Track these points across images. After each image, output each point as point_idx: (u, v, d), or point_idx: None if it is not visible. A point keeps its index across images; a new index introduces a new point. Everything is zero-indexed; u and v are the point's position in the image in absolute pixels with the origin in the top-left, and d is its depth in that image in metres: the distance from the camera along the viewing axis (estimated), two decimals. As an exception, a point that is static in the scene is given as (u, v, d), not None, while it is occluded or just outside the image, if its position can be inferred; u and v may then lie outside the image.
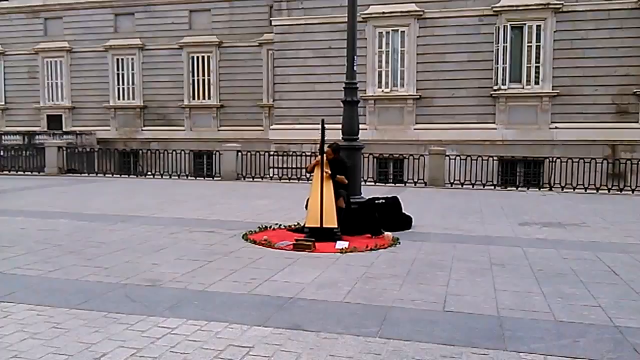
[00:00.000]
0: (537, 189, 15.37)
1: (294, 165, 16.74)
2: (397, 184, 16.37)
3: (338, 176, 7.50)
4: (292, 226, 7.95)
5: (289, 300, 4.51)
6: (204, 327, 3.86)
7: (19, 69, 26.31)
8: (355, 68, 8.24)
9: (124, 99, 25.15)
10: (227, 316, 4.07)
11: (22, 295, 4.57)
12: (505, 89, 18.27)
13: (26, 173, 18.42)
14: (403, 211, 8.33)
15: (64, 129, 25.07)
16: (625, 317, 4.18)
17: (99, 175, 18.05)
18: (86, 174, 18.36)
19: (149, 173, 18.31)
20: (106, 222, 8.33)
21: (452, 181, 15.54)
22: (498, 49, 18.20)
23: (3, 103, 26.58)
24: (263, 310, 4.21)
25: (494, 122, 18.53)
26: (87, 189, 13.81)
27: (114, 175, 18.11)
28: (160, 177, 17.62)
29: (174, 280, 5.06)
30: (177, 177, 17.45)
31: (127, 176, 18.32)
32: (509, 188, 15.71)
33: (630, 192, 14.38)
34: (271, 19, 20.96)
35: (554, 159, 15.69)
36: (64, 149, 19.01)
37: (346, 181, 7.63)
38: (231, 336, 3.69)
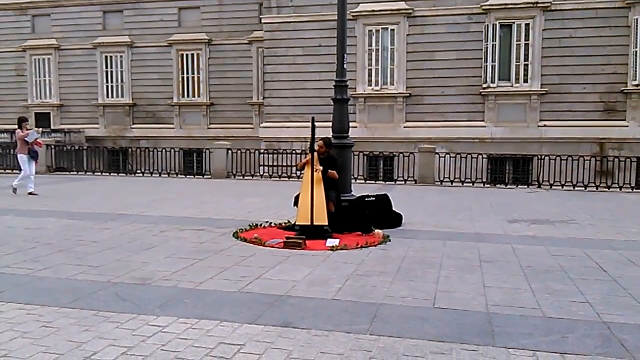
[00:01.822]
0: (526, 187, 15.50)
1: (284, 163, 16.74)
2: (387, 182, 16.43)
3: (330, 171, 7.51)
4: (283, 224, 7.95)
5: (279, 297, 4.52)
6: (194, 325, 3.86)
7: (7, 67, 26.03)
8: (345, 66, 8.25)
9: (112, 96, 24.98)
10: (218, 314, 4.08)
11: (11, 294, 4.54)
12: (494, 87, 18.36)
13: (14, 171, 18.24)
14: (393, 209, 8.36)
15: (52, 127, 24.83)
16: (613, 313, 4.23)
17: (87, 173, 17.94)
18: (75, 172, 18.25)
19: (139, 171, 18.23)
20: (95, 221, 8.29)
21: (441, 179, 15.62)
22: (487, 47, 18.28)
23: (-10, 101, 26.35)
24: (254, 308, 4.22)
25: (483, 120, 18.62)
26: (76, 187, 13.73)
27: (103, 174, 18.02)
28: (149, 175, 17.55)
29: (164, 279, 5.06)
30: (166, 175, 17.40)
31: (116, 174, 18.23)
32: (498, 185, 15.82)
33: (618, 189, 14.54)
34: (261, 16, 20.92)
35: (543, 156, 15.81)
36: (53, 147, 18.87)
37: (337, 175, 7.65)
38: (222, 334, 3.69)
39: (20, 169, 12.27)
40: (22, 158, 12.03)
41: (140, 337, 3.62)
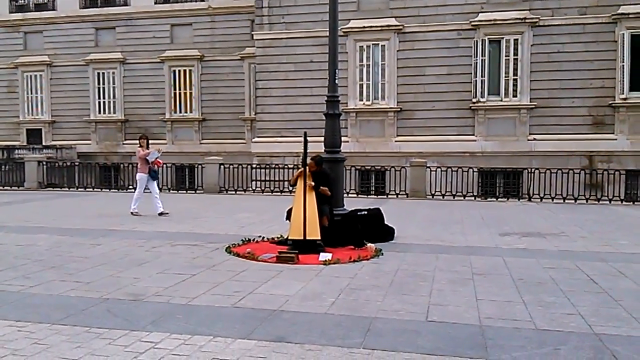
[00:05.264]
0: (517, 200, 15.57)
1: (276, 178, 16.74)
2: (379, 196, 16.47)
3: (322, 187, 7.52)
4: (275, 238, 7.95)
5: (273, 312, 4.51)
6: (187, 340, 3.84)
7: (-2, 83, 26.03)
8: (336, 81, 8.33)
9: (104, 112, 24.96)
10: (211, 329, 4.07)
11: (2, 311, 4.51)
12: (484, 102, 18.52)
13: (5, 188, 18.16)
14: (385, 222, 8.38)
15: (44, 143, 24.75)
16: (605, 325, 4.26)
17: (79, 189, 17.85)
18: (66, 189, 18.15)
19: (130, 187, 18.15)
20: (87, 237, 8.25)
21: (433, 192, 15.67)
22: (476, 63, 18.46)
23: (-19, 117, 26.23)
24: (247, 323, 4.21)
25: (473, 134, 18.75)
26: (68, 204, 13.66)
27: (95, 189, 17.94)
28: (141, 191, 17.47)
29: (156, 294, 5.04)
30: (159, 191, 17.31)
31: (108, 190, 18.15)
32: (489, 199, 15.90)
33: (608, 202, 14.64)
34: (253, 33, 21.05)
35: (533, 169, 15.92)
36: (44, 163, 18.80)
37: (329, 193, 7.66)
38: (215, 349, 3.68)
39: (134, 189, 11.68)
40: (142, 178, 11.48)
41: (132, 353, 3.60)
